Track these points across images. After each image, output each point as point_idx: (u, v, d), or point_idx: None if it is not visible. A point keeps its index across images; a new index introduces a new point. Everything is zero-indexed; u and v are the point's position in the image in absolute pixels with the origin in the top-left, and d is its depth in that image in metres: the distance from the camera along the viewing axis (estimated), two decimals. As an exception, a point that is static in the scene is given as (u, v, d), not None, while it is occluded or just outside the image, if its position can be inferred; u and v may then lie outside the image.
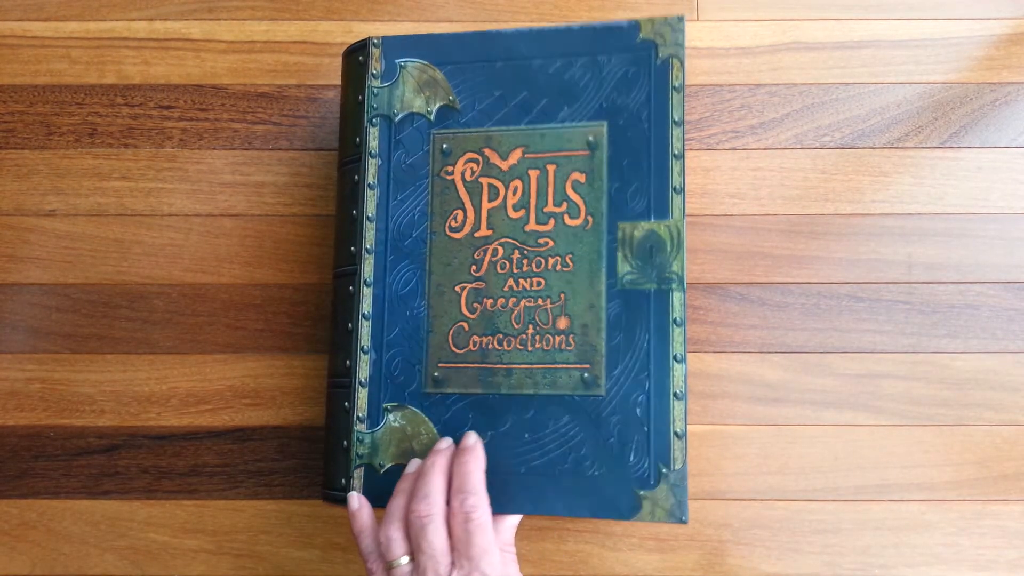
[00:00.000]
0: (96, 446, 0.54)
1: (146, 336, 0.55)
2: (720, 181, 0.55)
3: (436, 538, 0.40)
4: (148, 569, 0.53)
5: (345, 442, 0.47)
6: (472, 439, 0.45)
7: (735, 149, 0.56)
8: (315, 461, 0.54)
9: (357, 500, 0.45)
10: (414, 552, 0.41)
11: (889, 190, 0.55)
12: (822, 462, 0.53)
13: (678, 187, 0.45)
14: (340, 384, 0.48)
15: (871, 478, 0.53)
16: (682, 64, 0.46)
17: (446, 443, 0.45)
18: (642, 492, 0.44)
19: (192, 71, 0.58)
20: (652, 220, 0.45)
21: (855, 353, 0.54)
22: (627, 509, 0.43)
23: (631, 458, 0.44)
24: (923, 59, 0.56)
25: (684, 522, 0.43)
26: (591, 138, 0.47)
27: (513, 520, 0.45)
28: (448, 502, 0.42)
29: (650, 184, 0.46)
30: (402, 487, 0.43)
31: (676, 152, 0.45)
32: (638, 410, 0.44)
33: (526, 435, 0.45)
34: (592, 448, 0.44)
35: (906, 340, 0.54)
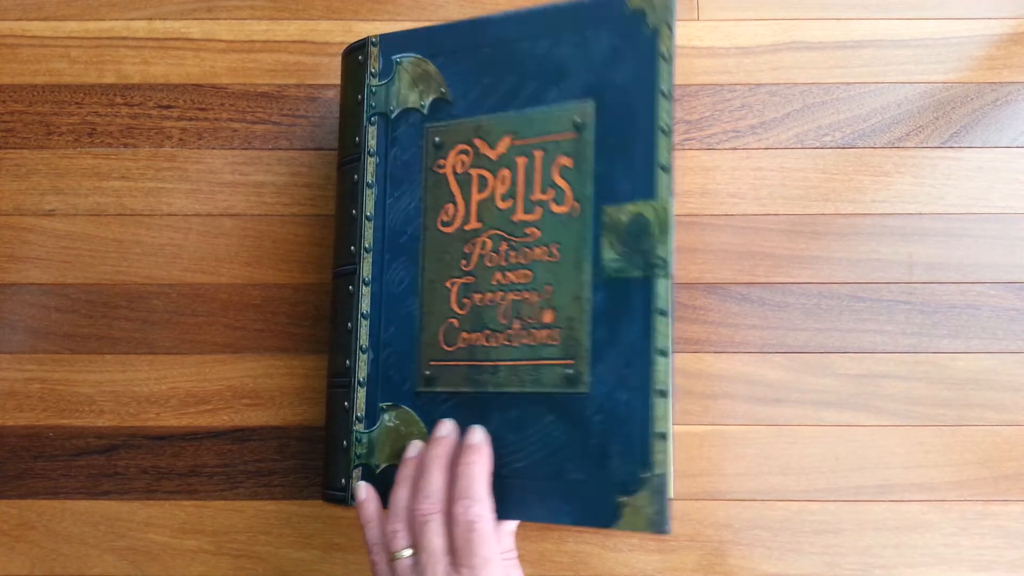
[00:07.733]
0: (95, 446, 0.54)
1: (145, 336, 0.55)
2: (720, 181, 0.55)
3: (436, 538, 0.40)
4: (148, 569, 0.53)
5: (345, 442, 0.47)
6: (478, 436, 0.42)
7: (735, 149, 0.56)
8: (315, 461, 0.54)
9: (364, 491, 0.45)
10: (415, 547, 0.41)
11: (890, 190, 0.55)
12: (823, 462, 0.53)
13: (665, 164, 0.40)
14: (340, 384, 0.48)
15: (872, 478, 0.53)
16: (671, 31, 0.41)
17: (447, 429, 0.43)
18: (622, 498, 0.39)
19: (191, 71, 0.57)
20: (637, 201, 0.41)
21: (856, 353, 0.54)
22: (607, 516, 0.39)
23: (613, 461, 0.40)
24: (924, 59, 0.56)
25: (665, 532, 0.38)
26: (577, 119, 0.43)
27: (511, 525, 0.45)
28: (451, 502, 0.41)
29: (635, 162, 0.41)
30: (404, 474, 0.43)
31: (663, 126, 0.41)
32: (621, 408, 0.40)
33: (510, 436, 0.42)
34: (574, 450, 0.41)
35: (907, 340, 0.54)
